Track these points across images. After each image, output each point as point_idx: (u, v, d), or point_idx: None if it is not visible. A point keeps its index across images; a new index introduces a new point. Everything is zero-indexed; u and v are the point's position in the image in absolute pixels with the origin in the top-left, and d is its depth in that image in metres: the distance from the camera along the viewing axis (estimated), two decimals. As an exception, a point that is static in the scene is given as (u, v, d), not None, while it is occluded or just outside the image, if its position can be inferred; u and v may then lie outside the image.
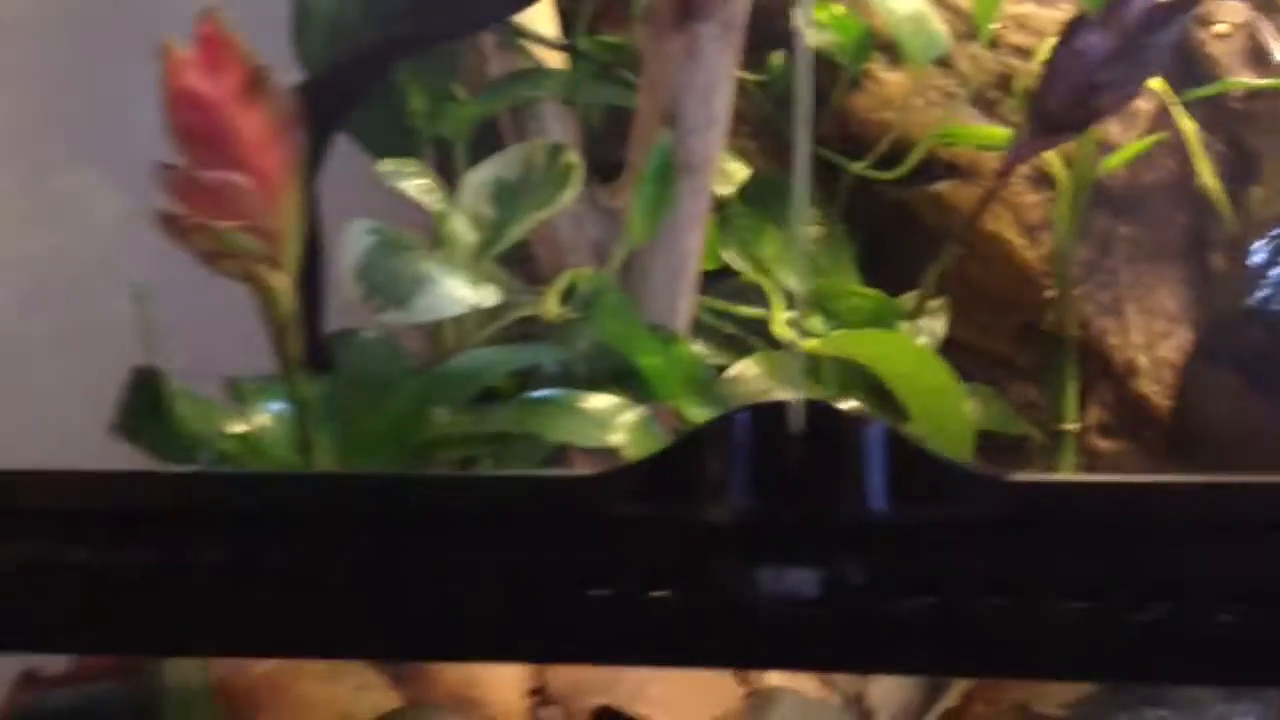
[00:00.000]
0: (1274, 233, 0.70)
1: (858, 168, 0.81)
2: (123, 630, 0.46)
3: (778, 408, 0.43)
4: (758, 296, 0.79)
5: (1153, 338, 0.84)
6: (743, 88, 0.80)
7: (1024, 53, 0.82)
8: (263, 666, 0.52)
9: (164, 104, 0.49)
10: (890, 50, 0.82)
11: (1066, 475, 0.73)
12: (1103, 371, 0.84)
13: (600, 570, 0.43)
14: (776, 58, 0.83)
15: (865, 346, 0.68)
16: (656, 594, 0.43)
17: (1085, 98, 0.71)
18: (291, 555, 0.45)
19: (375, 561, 0.45)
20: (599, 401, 0.61)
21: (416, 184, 0.67)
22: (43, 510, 0.45)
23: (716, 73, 0.64)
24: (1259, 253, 0.71)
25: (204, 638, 0.46)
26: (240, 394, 0.66)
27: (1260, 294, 0.70)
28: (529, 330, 0.73)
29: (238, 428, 0.60)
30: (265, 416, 0.64)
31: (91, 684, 0.51)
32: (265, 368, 0.67)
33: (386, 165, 0.67)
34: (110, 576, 0.45)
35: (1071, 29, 0.71)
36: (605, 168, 0.81)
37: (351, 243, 0.65)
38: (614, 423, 0.58)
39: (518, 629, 0.43)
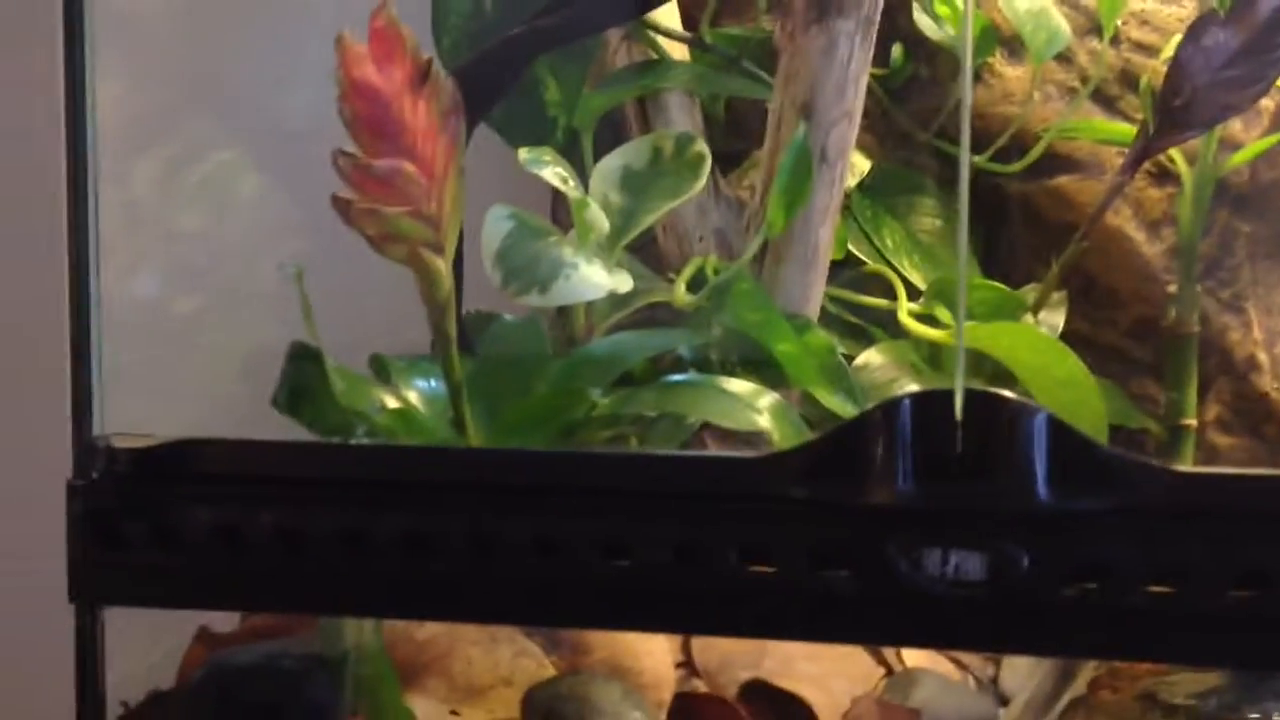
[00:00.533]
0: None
1: (979, 161, 0.82)
2: (306, 591, 0.48)
3: (941, 395, 0.44)
4: (874, 286, 0.81)
5: (1273, 335, 0.84)
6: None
7: (1145, 49, 0.82)
8: (427, 631, 0.54)
9: (339, 94, 0.51)
10: (1011, 44, 0.82)
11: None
12: (1222, 368, 0.84)
13: (768, 549, 0.45)
14: (897, 51, 0.84)
15: (996, 338, 0.69)
16: (823, 573, 0.44)
17: (1212, 96, 0.71)
18: (466, 526, 0.47)
19: (548, 534, 0.47)
20: (738, 386, 0.62)
21: (554, 171, 0.69)
22: (233, 476, 0.48)
23: (853, 67, 0.65)
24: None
25: (382, 601, 0.48)
26: (386, 372, 0.69)
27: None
28: (653, 316, 0.75)
29: (394, 404, 0.63)
30: (415, 394, 0.66)
31: (269, 641, 0.54)
32: (384, 348, 0.69)
33: (525, 153, 0.69)
34: (295, 541, 0.48)
35: (1198, 26, 0.71)
36: (725, 157, 0.83)
37: (492, 228, 0.67)
38: (757, 405, 0.60)
39: (687, 602, 0.45)
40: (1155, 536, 0.43)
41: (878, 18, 0.66)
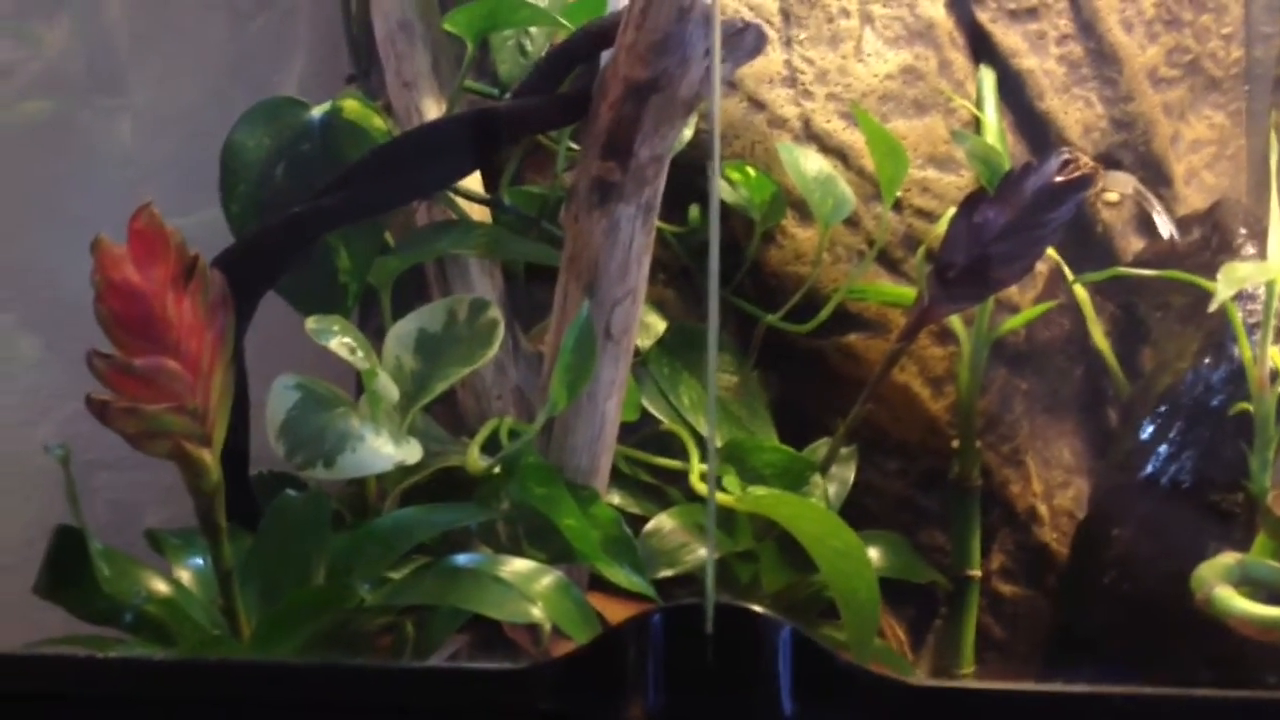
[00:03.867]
0: (1161, 409, 0.74)
1: (771, 319, 0.84)
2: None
3: (691, 610, 0.45)
4: (674, 443, 0.82)
5: (1052, 488, 0.88)
6: (662, 238, 0.84)
7: (926, 215, 0.86)
8: None
9: (96, 295, 0.50)
10: (802, 208, 0.85)
11: (963, 681, 0.75)
12: (1005, 519, 0.87)
13: (520, 766, 0.45)
14: (694, 211, 0.86)
15: (778, 508, 0.70)
16: (574, 790, 0.44)
17: (982, 270, 0.75)
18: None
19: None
20: (518, 566, 0.62)
21: (342, 341, 0.68)
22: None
23: (635, 249, 0.67)
24: (1147, 427, 0.75)
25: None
26: (163, 548, 0.67)
27: (1149, 469, 0.74)
28: (455, 474, 0.74)
29: (161, 589, 0.61)
30: (188, 573, 0.64)
31: None
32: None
33: (313, 323, 0.68)
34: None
35: (968, 204, 0.75)
36: (529, 310, 0.83)
37: (276, 399, 0.66)
38: (532, 590, 0.60)
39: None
40: (895, 747, 0.44)
41: (658, 203, 0.68)
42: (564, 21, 0.74)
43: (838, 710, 0.44)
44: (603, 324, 0.68)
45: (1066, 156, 0.73)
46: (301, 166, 0.71)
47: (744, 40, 0.61)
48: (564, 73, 0.70)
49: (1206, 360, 0.72)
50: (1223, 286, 0.62)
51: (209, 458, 0.55)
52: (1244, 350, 0.68)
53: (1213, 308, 0.64)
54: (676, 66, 0.61)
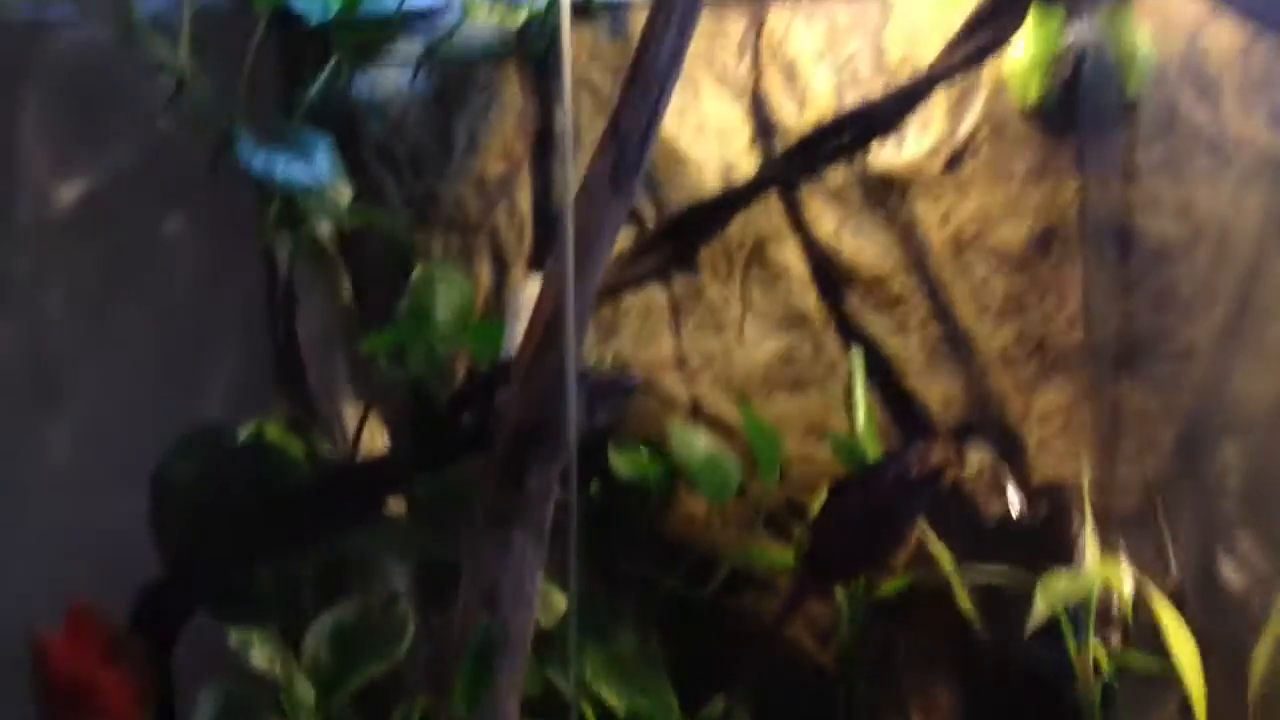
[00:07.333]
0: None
1: (669, 583, 0.91)
2: None
3: None
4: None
5: (938, 733, 0.94)
6: (565, 507, 0.90)
7: (808, 485, 0.93)
8: None
9: (32, 677, 0.57)
10: (696, 480, 0.93)
11: None
12: (890, 764, 0.93)
13: None
14: (594, 485, 0.93)
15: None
16: None
17: (849, 553, 0.82)
18: None
19: None
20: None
21: (262, 654, 0.75)
22: None
23: (527, 565, 0.74)
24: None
25: None
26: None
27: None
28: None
29: None
30: None
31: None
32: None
33: (236, 637, 0.75)
34: None
35: (834, 493, 0.83)
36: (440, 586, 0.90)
37: (202, 709, 0.72)
38: None
39: None
40: None
41: (548, 525, 0.75)
42: (466, 344, 0.82)
43: None
44: (499, 632, 0.74)
45: (921, 451, 0.82)
46: (227, 490, 0.78)
47: (613, 397, 0.70)
48: (463, 412, 0.78)
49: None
50: (1040, 602, 0.70)
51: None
52: (1069, 644, 0.75)
53: (1031, 627, 0.71)
54: (557, 415, 0.69)
